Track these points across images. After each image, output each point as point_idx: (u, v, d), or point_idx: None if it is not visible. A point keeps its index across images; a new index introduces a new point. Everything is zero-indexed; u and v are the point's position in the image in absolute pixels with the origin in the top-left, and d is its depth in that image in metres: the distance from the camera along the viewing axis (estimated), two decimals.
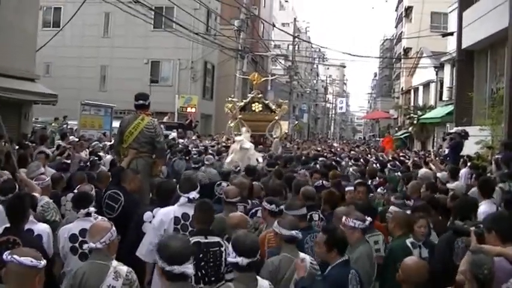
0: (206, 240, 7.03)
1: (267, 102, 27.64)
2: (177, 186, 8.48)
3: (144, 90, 45.10)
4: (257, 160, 19.29)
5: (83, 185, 9.58)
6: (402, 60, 71.56)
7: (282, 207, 8.46)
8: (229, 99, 27.13)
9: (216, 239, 7.14)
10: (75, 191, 9.07)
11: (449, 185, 13.23)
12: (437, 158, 21.89)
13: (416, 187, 12.29)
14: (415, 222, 8.42)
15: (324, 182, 12.13)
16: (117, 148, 12.46)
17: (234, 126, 25.42)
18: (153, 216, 8.26)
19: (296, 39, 73.03)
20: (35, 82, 24.98)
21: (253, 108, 26.43)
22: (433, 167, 17.94)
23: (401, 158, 27.79)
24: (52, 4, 47.39)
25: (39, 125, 30.43)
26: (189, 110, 45.14)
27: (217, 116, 48.83)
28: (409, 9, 68.95)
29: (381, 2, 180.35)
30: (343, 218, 7.61)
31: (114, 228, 6.16)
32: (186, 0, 36.75)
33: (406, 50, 67.96)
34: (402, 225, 8.37)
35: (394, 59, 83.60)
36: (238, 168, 15.51)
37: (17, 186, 8.94)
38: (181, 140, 27.50)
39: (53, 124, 31.02)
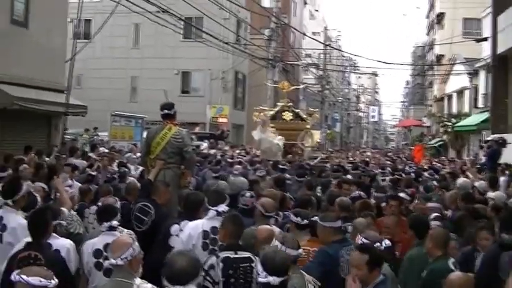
0: (236, 256, 6.67)
1: (297, 110, 27.34)
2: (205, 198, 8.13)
3: (174, 101, 45.22)
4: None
5: (107, 197, 9.25)
6: (435, 67, 70.72)
7: (315, 218, 8.06)
8: (259, 108, 26.86)
9: (247, 254, 6.77)
10: (99, 203, 8.77)
11: (490, 195, 12.69)
12: (474, 167, 21.19)
13: (454, 197, 11.82)
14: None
15: (360, 192, 11.73)
16: (144, 159, 12.11)
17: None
18: (181, 230, 7.94)
19: (327, 48, 72.64)
20: (64, 93, 24.83)
21: (284, 117, 26.12)
22: (470, 175, 17.37)
23: (436, 166, 27.25)
24: (82, 16, 47.40)
25: (69, 137, 30.25)
26: (220, 120, 44.98)
27: (249, 126, 48.47)
28: (440, 16, 68.14)
29: (412, 8, 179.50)
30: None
31: (136, 243, 5.80)
32: (216, 10, 36.53)
33: (439, 57, 67.19)
34: (442, 245, 7.75)
35: (426, 66, 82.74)
36: (263, 173, 15.19)
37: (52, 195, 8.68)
38: (212, 151, 27.13)
39: (83, 135, 30.94)
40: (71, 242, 7.39)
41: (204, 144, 31.49)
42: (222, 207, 7.74)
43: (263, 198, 9.23)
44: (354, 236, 7.65)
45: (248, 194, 11.80)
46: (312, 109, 29.73)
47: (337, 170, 19.14)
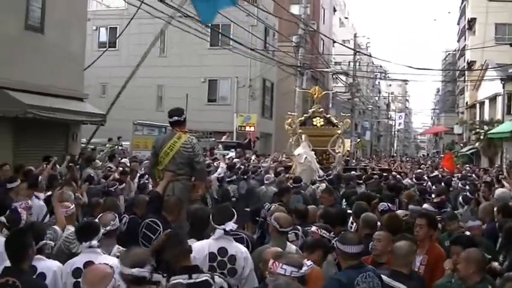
0: (191, 281, 5.97)
1: (328, 116, 26.69)
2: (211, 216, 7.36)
3: (201, 109, 45.17)
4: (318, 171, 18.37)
5: (106, 213, 8.44)
6: (466, 73, 69.71)
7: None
8: (289, 114, 26.30)
9: (204, 277, 6.06)
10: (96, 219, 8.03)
11: None
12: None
13: (489, 209, 10.93)
14: None
15: (389, 205, 10.81)
16: (152, 171, 11.17)
17: (294, 142, 24.50)
18: None
19: (357, 55, 71.89)
20: (83, 102, 24.26)
21: (315, 123, 25.56)
22: (507, 185, 16.25)
23: (469, 174, 26.32)
24: (107, 24, 47.12)
25: (90, 146, 29.73)
26: (247, 129, 44.33)
27: (277, 134, 47.86)
28: (472, 21, 67.32)
29: (443, 13, 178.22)
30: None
31: (115, 273, 5.05)
32: (243, 16, 35.97)
33: (470, 64, 66.28)
34: (481, 268, 6.76)
35: (458, 72, 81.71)
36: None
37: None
38: (236, 160, 26.41)
39: (107, 145, 30.35)
40: (59, 264, 6.70)
41: (231, 154, 30.86)
42: (230, 225, 7.03)
43: (277, 212, 8.40)
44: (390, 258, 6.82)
45: (267, 206, 11.05)
46: (343, 114, 29.08)
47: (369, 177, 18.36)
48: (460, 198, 14.44)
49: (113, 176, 15.82)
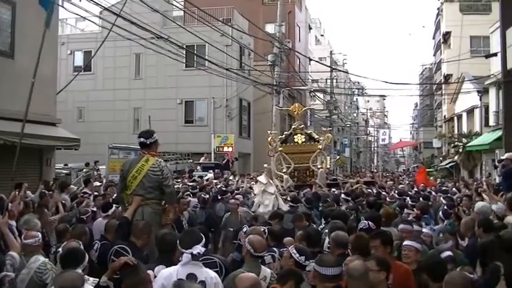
0: None
1: (309, 132, 26.52)
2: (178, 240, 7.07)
3: (178, 131, 44.96)
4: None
5: (70, 241, 8.17)
6: (443, 87, 69.91)
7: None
8: (269, 132, 26.15)
9: None
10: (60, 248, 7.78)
11: (510, 219, 11.39)
12: (490, 188, 19.72)
13: (471, 224, 10.68)
14: None
15: (370, 223, 10.40)
16: (120, 195, 10.82)
17: (276, 161, 24.25)
18: (155, 276, 6.83)
19: (333, 72, 71.93)
20: (56, 126, 23.92)
21: (296, 140, 25.27)
22: (486, 197, 16.01)
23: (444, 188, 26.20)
24: (82, 48, 46.86)
25: (64, 171, 29.36)
26: (225, 149, 44.09)
27: (256, 154, 47.70)
28: (447, 35, 67.62)
29: (418, 28, 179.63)
30: None
31: None
32: (217, 37, 35.85)
33: (447, 77, 66.41)
34: None
35: (435, 86, 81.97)
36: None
37: None
38: (214, 181, 26.18)
39: (84, 170, 30.04)
40: None
41: (209, 175, 30.60)
42: (198, 249, 6.74)
43: (252, 235, 8.12)
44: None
45: (245, 229, 10.77)
46: (325, 129, 28.83)
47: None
48: (440, 213, 14.24)
49: (86, 202, 15.46)
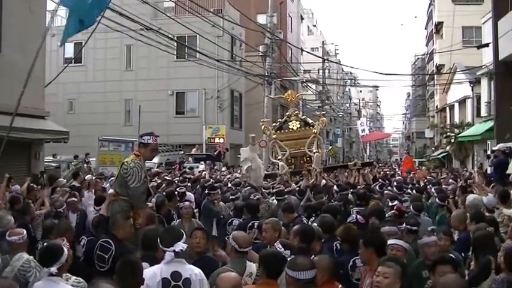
0: None
1: (303, 117, 26.10)
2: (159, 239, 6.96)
3: (170, 122, 44.82)
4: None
5: (52, 238, 8.09)
6: (435, 77, 69.84)
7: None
8: (262, 120, 25.90)
9: None
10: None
11: (506, 212, 11.19)
12: (483, 179, 19.36)
13: (462, 217, 10.56)
14: None
15: (358, 217, 10.32)
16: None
17: (271, 149, 24.11)
18: None
19: (326, 62, 71.78)
20: (45, 119, 23.71)
21: (291, 127, 24.95)
22: (476, 190, 15.78)
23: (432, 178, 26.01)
24: (73, 39, 46.53)
25: (54, 164, 29.12)
26: (217, 140, 43.95)
27: (247, 145, 47.46)
28: (439, 25, 67.62)
29: (411, 18, 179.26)
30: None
31: None
32: (209, 28, 35.64)
33: (439, 67, 66.46)
34: None
35: (427, 76, 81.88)
36: (257, 196, 14.10)
37: None
38: (205, 173, 26.02)
39: (73, 163, 29.84)
40: None
41: (201, 166, 30.53)
42: (180, 246, 6.64)
43: (236, 231, 8.04)
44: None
45: (236, 221, 10.68)
46: (318, 113, 28.60)
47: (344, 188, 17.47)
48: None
49: (61, 193, 15.35)
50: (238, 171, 26.06)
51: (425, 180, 24.20)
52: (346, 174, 24.09)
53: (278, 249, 7.49)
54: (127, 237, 8.63)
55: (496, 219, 10.43)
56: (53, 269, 6.44)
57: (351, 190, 16.38)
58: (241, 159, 18.94)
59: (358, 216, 10.42)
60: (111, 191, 10.36)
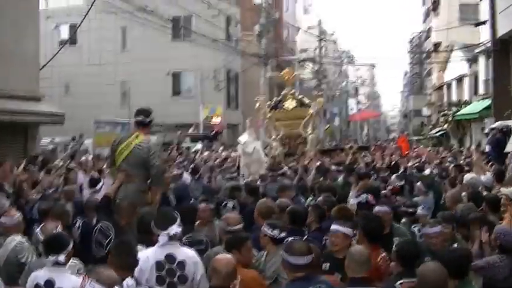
0: None
1: (300, 97, 25.71)
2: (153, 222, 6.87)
3: (166, 103, 44.61)
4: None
5: (47, 222, 8.01)
6: (433, 55, 69.61)
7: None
8: (257, 98, 25.60)
9: None
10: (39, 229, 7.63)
11: (504, 190, 10.98)
12: (480, 157, 18.99)
13: (457, 197, 10.40)
14: None
15: (368, 196, 10.01)
16: (111, 170, 10.68)
17: (266, 129, 23.95)
18: None
19: (322, 41, 71.53)
20: (40, 102, 23.56)
21: (286, 106, 24.60)
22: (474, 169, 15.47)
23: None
24: (68, 21, 46.32)
25: (51, 146, 29.00)
26: (213, 120, 43.81)
27: (244, 125, 47.36)
28: (436, 2, 67.22)
29: None
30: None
31: None
32: (204, 8, 35.45)
33: (436, 45, 66.12)
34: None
35: (424, 55, 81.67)
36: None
37: None
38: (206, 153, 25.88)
39: (69, 145, 29.71)
40: None
41: (198, 146, 30.45)
42: (174, 229, 6.58)
43: (228, 213, 7.99)
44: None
45: (231, 203, 10.61)
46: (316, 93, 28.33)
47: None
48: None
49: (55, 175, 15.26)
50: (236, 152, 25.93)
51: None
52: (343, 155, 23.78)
53: (266, 231, 7.36)
54: (129, 224, 8.49)
55: (498, 198, 10.08)
56: (61, 258, 6.30)
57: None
58: (242, 142, 18.72)
59: (369, 196, 10.13)
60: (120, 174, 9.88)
